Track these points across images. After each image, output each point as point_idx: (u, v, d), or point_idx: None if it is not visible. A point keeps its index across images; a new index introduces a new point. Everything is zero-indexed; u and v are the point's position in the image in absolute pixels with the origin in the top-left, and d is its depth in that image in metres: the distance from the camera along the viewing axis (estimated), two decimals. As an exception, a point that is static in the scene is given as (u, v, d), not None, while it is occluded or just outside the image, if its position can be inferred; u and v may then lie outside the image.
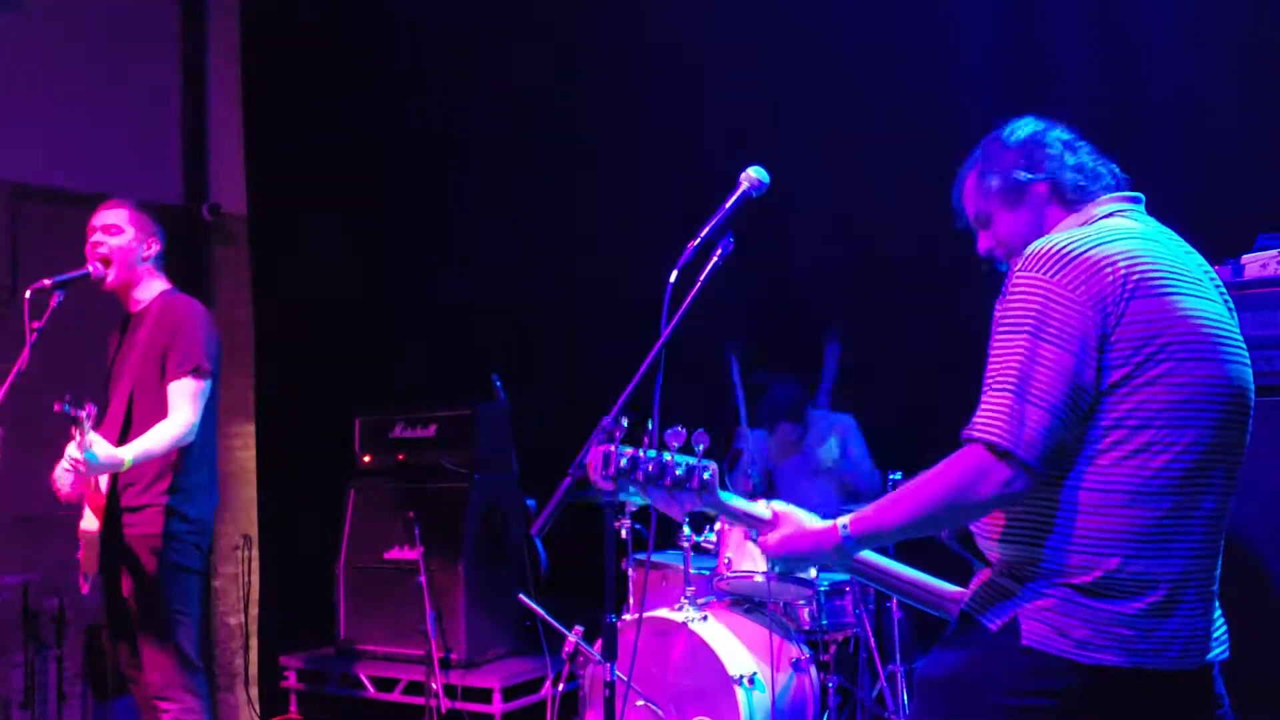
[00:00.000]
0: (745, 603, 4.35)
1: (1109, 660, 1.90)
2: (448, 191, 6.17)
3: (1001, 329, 1.97)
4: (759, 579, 4.14)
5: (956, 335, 4.82)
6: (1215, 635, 2.00)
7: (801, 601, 4.31)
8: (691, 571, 4.33)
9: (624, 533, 4.41)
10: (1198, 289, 2.01)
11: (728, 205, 2.32)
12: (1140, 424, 1.92)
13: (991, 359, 1.97)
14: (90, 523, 3.76)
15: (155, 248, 4.05)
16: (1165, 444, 1.92)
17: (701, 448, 2.09)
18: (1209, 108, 4.25)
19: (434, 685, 4.89)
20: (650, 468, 2.06)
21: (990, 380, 1.94)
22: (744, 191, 2.35)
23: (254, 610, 6.44)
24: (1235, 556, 2.07)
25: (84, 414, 3.52)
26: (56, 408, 3.54)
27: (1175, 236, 2.11)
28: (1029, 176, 2.18)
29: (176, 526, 3.85)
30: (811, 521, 2.15)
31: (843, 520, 2.07)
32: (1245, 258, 3.28)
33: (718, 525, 4.34)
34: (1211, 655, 1.99)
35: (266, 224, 6.52)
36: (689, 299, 2.28)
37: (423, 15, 6.12)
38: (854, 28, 5.16)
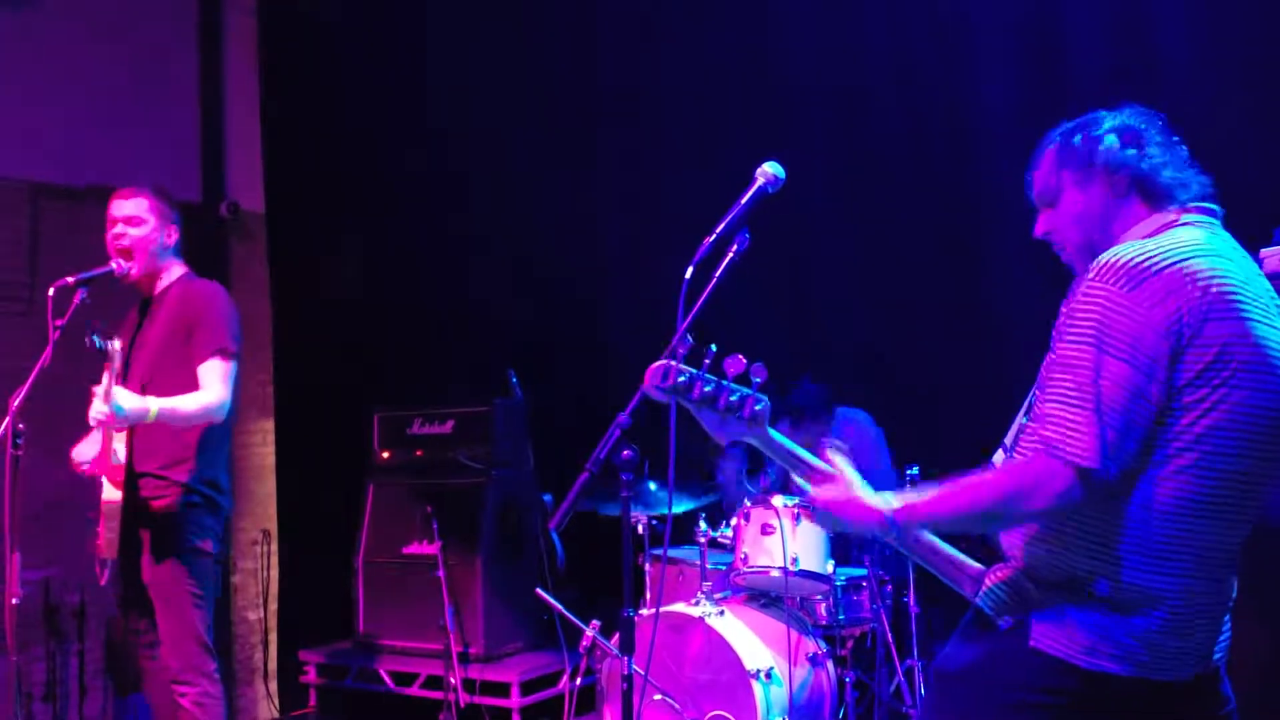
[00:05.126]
0: (762, 598, 4.35)
1: (1112, 669, 1.90)
2: (465, 189, 6.18)
3: (1072, 338, 1.92)
4: (775, 574, 4.15)
5: (968, 332, 4.82)
6: (1219, 642, 2.01)
7: (818, 596, 4.31)
8: (708, 566, 4.33)
9: (640, 528, 4.42)
10: (1267, 316, 1.97)
11: (744, 201, 2.32)
12: (1196, 447, 1.89)
13: (1060, 368, 1.92)
14: (111, 494, 3.78)
15: (174, 235, 4.08)
16: (1218, 471, 1.89)
17: (759, 380, 2.10)
18: (1224, 100, 4.23)
19: (452, 679, 4.92)
20: (707, 388, 2.07)
21: (1060, 392, 1.90)
22: (760, 187, 2.34)
23: (273, 605, 6.47)
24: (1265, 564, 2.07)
25: (114, 347, 3.56)
26: (87, 341, 3.58)
27: (1247, 256, 2.06)
28: (1127, 155, 2.08)
29: (195, 511, 3.88)
30: (866, 494, 2.09)
31: (893, 504, 2.04)
32: (1264, 252, 3.26)
33: (734, 521, 4.35)
34: (1215, 660, 2.00)
35: (285, 221, 6.55)
36: (705, 294, 2.28)
37: (440, 14, 6.14)
38: (869, 28, 5.15)
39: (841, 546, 4.41)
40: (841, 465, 2.14)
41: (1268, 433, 1.92)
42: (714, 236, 2.27)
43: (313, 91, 6.45)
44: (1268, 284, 2.04)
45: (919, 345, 5.03)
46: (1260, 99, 4.17)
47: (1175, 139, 2.15)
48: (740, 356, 2.08)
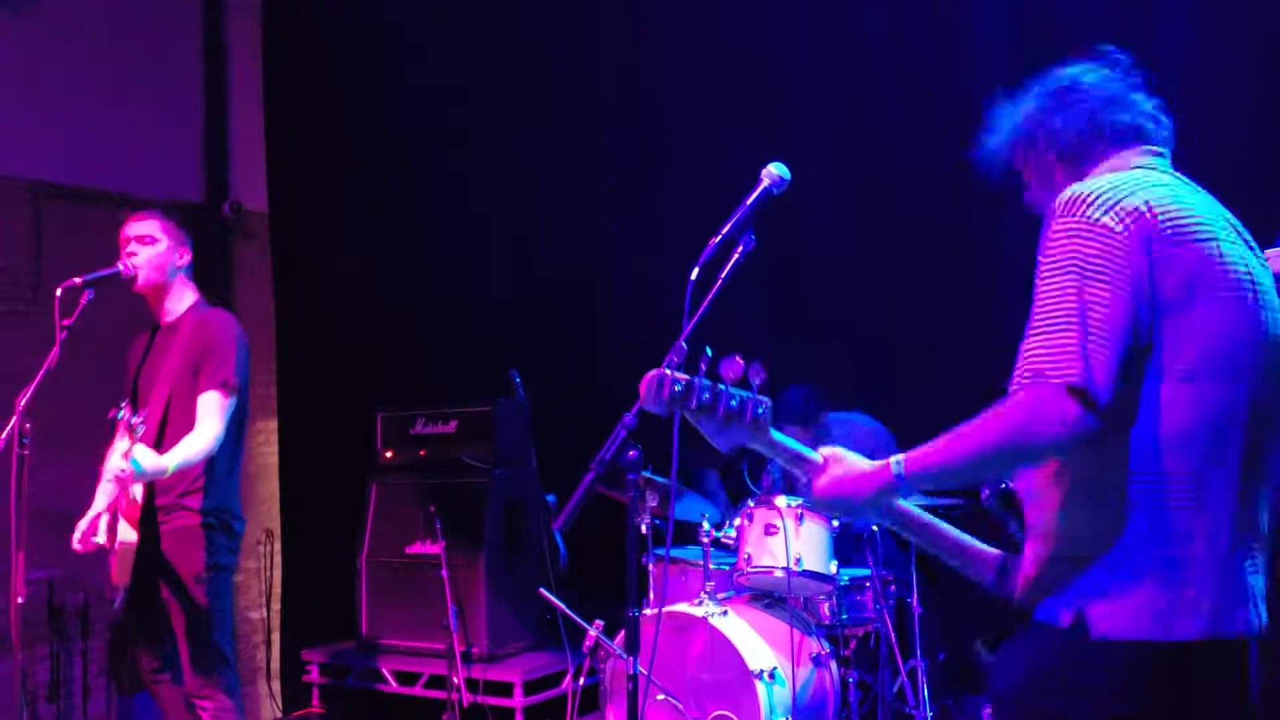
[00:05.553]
0: (765, 598, 4.35)
1: (1189, 631, 1.81)
2: (467, 189, 6.19)
3: (1047, 272, 1.90)
4: (779, 574, 4.15)
5: (969, 333, 4.81)
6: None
7: (822, 596, 4.31)
8: (711, 566, 4.34)
9: (644, 528, 4.42)
10: (1231, 236, 1.97)
11: (749, 202, 2.31)
12: (1191, 373, 1.85)
13: (1039, 302, 1.89)
14: (128, 534, 3.81)
15: (186, 257, 4.12)
16: (1220, 395, 1.86)
17: (758, 382, 2.01)
18: (1226, 99, 4.23)
19: (455, 679, 4.92)
20: (705, 396, 1.97)
21: (1041, 323, 1.86)
22: (765, 188, 2.33)
23: (276, 605, 6.48)
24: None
25: (139, 421, 3.61)
26: (112, 414, 3.63)
27: (1198, 186, 2.07)
28: (1040, 143, 2.15)
29: (211, 532, 3.94)
30: (862, 463, 2.06)
31: (896, 459, 1.98)
32: (1268, 252, 3.26)
33: (737, 521, 4.35)
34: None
35: (287, 221, 6.56)
36: (710, 295, 2.28)
37: (441, 14, 6.14)
38: (869, 25, 5.15)
39: (845, 546, 4.41)
40: (831, 452, 2.10)
41: (1255, 350, 1.90)
42: (719, 238, 2.26)
43: (315, 91, 6.46)
44: (1222, 209, 2.04)
45: (920, 346, 5.04)
46: (1261, 99, 4.18)
47: (1112, 79, 2.16)
48: (738, 358, 2.00)
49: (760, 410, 2.01)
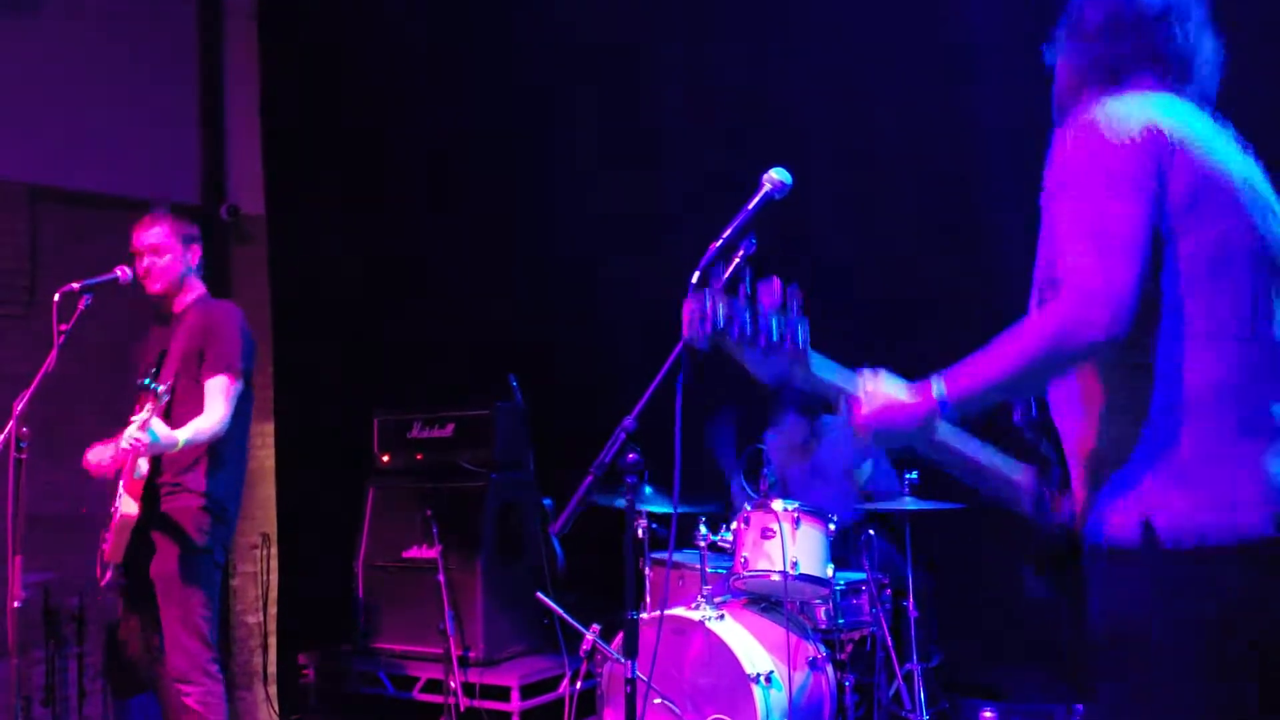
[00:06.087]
0: (762, 601, 4.36)
1: (1259, 528, 1.80)
2: (465, 191, 6.19)
3: (1065, 189, 1.94)
4: (775, 578, 4.15)
5: (970, 333, 4.81)
6: None
7: (818, 600, 4.32)
8: (708, 570, 4.34)
9: (641, 532, 4.43)
10: (1236, 153, 2.02)
11: (750, 206, 2.32)
12: (1213, 269, 1.89)
13: (1058, 217, 1.93)
14: (129, 507, 3.83)
15: (197, 255, 4.20)
16: (1241, 288, 1.90)
17: (796, 305, 1.97)
18: (1227, 99, 4.23)
19: (452, 683, 4.92)
20: (746, 326, 1.92)
21: (1062, 236, 1.90)
22: (766, 193, 2.34)
23: (273, 609, 6.46)
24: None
25: (164, 389, 3.67)
26: (140, 380, 3.66)
27: (1209, 116, 2.10)
28: (1072, 54, 2.17)
29: (206, 514, 3.96)
30: (902, 390, 2.03)
31: (936, 381, 1.98)
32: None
33: (734, 525, 4.36)
34: None
35: (284, 225, 6.55)
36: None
37: (439, 16, 6.15)
38: (868, 31, 5.16)
39: (841, 550, 4.42)
40: (871, 379, 2.07)
41: (1260, 248, 1.94)
42: (720, 242, 2.26)
43: (313, 94, 6.46)
44: (1228, 132, 2.08)
45: (921, 346, 5.03)
46: (1264, 98, 4.18)
47: (1170, 10, 2.13)
48: (776, 281, 1.95)
49: (801, 338, 1.98)
